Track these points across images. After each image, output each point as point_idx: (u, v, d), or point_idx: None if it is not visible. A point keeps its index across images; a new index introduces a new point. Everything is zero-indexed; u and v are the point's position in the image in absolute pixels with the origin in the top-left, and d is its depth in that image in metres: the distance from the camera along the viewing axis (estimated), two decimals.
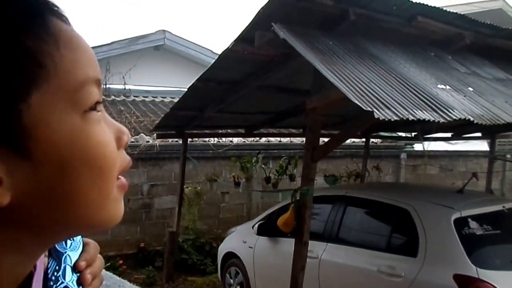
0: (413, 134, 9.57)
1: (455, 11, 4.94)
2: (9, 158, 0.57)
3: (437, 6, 4.65)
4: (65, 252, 0.78)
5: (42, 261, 0.74)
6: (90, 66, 0.65)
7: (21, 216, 0.60)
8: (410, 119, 3.18)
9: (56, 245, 0.77)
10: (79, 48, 0.64)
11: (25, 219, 0.61)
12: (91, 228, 0.70)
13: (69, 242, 0.79)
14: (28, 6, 0.60)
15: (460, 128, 8.30)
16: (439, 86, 4.05)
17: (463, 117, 3.45)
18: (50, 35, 0.60)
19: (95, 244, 0.85)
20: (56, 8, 0.64)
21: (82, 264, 0.78)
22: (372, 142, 11.18)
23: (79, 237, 0.80)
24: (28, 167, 0.58)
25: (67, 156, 0.60)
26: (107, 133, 0.66)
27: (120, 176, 0.70)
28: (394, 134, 10.68)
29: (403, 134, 10.48)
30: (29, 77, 0.57)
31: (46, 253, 0.78)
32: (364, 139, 9.91)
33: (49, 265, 0.76)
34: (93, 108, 0.64)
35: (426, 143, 10.22)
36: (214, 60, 5.31)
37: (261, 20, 4.00)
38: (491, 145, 9.27)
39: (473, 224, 4.61)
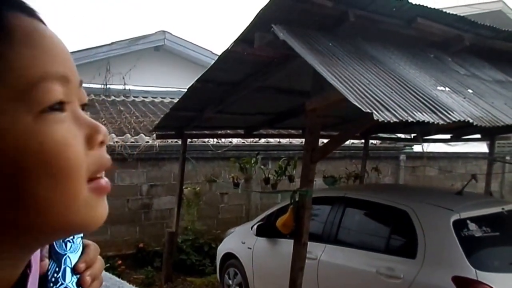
0: (412, 135, 9.58)
1: (454, 12, 4.95)
2: None
3: (436, 8, 4.66)
4: (65, 254, 0.77)
5: (37, 262, 0.74)
6: (52, 63, 0.61)
7: None
8: (409, 121, 3.18)
9: (56, 247, 0.77)
10: (40, 44, 0.61)
11: None
12: (68, 232, 0.69)
13: (69, 244, 0.78)
14: None
15: (459, 130, 8.31)
16: (438, 88, 4.06)
17: (462, 119, 3.45)
18: (2, 32, 0.58)
19: (95, 246, 0.84)
20: (16, 1, 0.62)
21: (82, 266, 0.77)
22: (371, 143, 11.19)
23: (79, 239, 0.80)
24: None
25: (21, 159, 0.57)
26: (70, 134, 0.62)
27: (99, 177, 0.66)
28: (393, 136, 10.68)
29: (402, 136, 10.48)
30: None
31: (47, 254, 0.78)
32: (363, 140, 9.92)
33: (49, 266, 0.76)
34: (55, 108, 0.60)
35: (425, 144, 10.22)
36: (214, 61, 5.31)
37: (261, 21, 4.00)
38: (491, 147, 9.24)
39: (472, 226, 4.61)
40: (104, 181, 0.67)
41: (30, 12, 0.63)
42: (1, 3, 0.59)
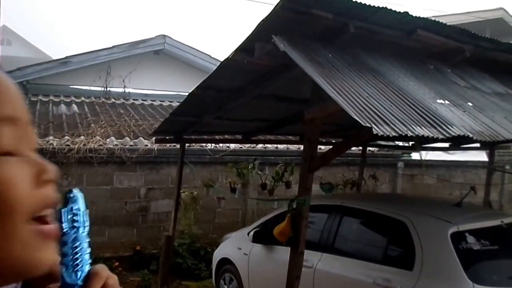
0: (410, 143, 9.57)
1: (455, 20, 4.97)
2: None
3: (437, 17, 4.66)
4: (75, 285, 0.77)
5: None
6: (1, 105, 0.62)
7: None
8: (409, 135, 3.17)
9: (66, 278, 0.76)
10: None
11: None
12: (9, 273, 0.65)
13: (78, 273, 0.77)
14: None
15: (459, 139, 8.29)
16: (438, 100, 4.05)
17: (462, 133, 3.44)
18: None
19: (115, 278, 0.83)
20: None
21: None
22: (369, 150, 11.17)
23: (87, 266, 0.79)
24: None
25: None
26: (15, 173, 0.61)
27: (46, 220, 0.66)
28: (391, 143, 10.67)
29: (400, 143, 10.47)
30: None
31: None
32: (360, 147, 9.91)
33: None
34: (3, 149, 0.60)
35: (423, 152, 10.22)
36: (213, 68, 5.32)
37: (261, 32, 3.99)
38: (490, 156, 9.20)
39: (470, 239, 4.60)
40: (50, 227, 0.66)
41: None
42: None
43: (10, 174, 0.60)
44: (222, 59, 4.84)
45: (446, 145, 9.19)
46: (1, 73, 0.63)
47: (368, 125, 3.08)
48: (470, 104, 4.30)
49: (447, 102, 4.09)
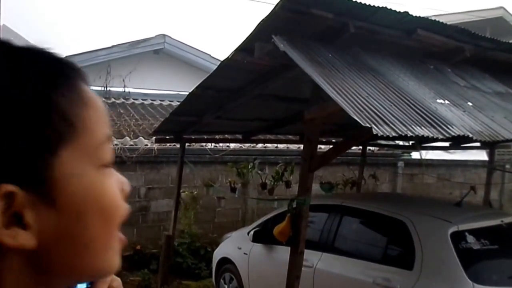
0: (410, 142, 9.56)
1: (455, 19, 4.97)
2: (37, 205, 0.62)
3: (437, 16, 4.65)
4: None
5: None
6: (106, 125, 0.72)
7: (39, 261, 0.64)
8: (409, 135, 3.17)
9: None
10: (99, 108, 0.71)
11: (42, 264, 0.64)
12: (90, 276, 0.74)
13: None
14: (61, 70, 0.67)
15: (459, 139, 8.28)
16: (438, 100, 4.05)
17: (462, 133, 3.45)
18: (79, 96, 0.67)
19: (119, 281, 0.88)
20: (81, 71, 0.71)
21: None
22: (369, 149, 11.17)
23: None
24: (51, 214, 0.63)
25: (84, 205, 0.65)
26: (115, 185, 0.71)
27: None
28: (391, 143, 10.67)
29: (400, 143, 10.46)
30: (61, 133, 0.63)
31: None
32: (361, 147, 9.90)
33: None
34: (108, 163, 0.70)
35: (424, 151, 10.21)
36: (214, 68, 5.31)
37: (261, 32, 3.98)
38: (490, 156, 9.18)
39: (470, 239, 4.60)
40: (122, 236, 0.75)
41: (86, 79, 0.72)
42: (75, 74, 0.69)
43: (114, 187, 0.71)
44: (222, 59, 4.84)
45: (446, 144, 9.19)
46: (94, 92, 0.71)
47: (368, 125, 3.08)
48: (470, 104, 4.30)
49: (447, 102, 4.10)
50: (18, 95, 0.61)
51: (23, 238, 0.61)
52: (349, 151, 10.50)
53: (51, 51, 0.68)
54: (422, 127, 3.33)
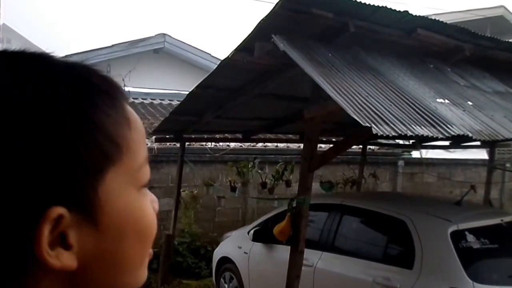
0: (411, 141, 9.56)
1: (455, 18, 4.96)
2: (80, 225, 0.62)
3: (437, 15, 4.65)
4: None
5: None
6: (145, 146, 0.72)
7: (74, 280, 0.63)
8: (408, 135, 3.17)
9: None
10: (140, 130, 0.71)
11: (77, 283, 0.64)
12: None
13: None
14: (106, 89, 0.67)
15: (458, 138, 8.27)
16: (438, 100, 4.05)
17: (461, 133, 3.45)
18: (124, 118, 0.68)
19: None
20: (123, 91, 0.72)
21: None
22: (369, 148, 11.16)
23: None
24: (93, 234, 0.63)
25: (124, 225, 0.66)
26: (150, 205, 0.72)
27: None
28: (391, 142, 10.66)
29: (401, 142, 10.45)
30: (107, 155, 0.64)
31: None
32: (361, 146, 9.90)
33: None
34: (145, 184, 0.71)
35: (424, 150, 10.20)
36: (214, 67, 5.32)
37: (261, 31, 3.98)
38: (491, 154, 9.17)
39: (470, 238, 4.60)
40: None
41: (127, 98, 0.72)
42: (120, 96, 0.69)
43: (150, 207, 0.72)
44: (222, 58, 4.84)
45: (447, 143, 9.17)
46: (133, 111, 0.71)
47: (367, 124, 3.08)
48: (470, 103, 4.31)
49: (447, 101, 4.10)
50: (66, 117, 0.61)
51: (66, 259, 0.61)
52: (350, 150, 10.50)
53: (95, 68, 0.69)
54: (422, 127, 3.33)
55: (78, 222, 0.61)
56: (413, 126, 3.29)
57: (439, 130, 3.37)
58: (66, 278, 0.62)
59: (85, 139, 0.61)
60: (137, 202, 0.68)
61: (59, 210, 0.59)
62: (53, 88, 0.62)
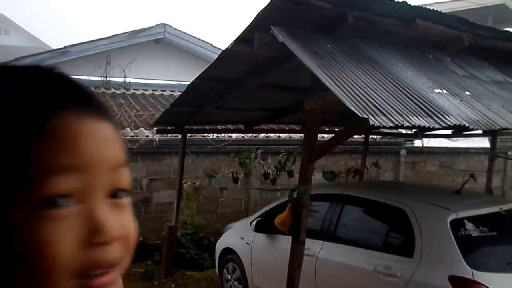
0: (413, 131, 9.56)
1: (455, 7, 4.96)
2: None
3: (438, 3, 4.66)
4: None
5: None
6: (64, 156, 0.64)
7: None
8: (405, 125, 3.20)
9: None
10: (64, 139, 0.64)
11: None
12: None
13: None
14: (35, 104, 0.64)
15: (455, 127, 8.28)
16: (435, 90, 4.06)
17: (458, 123, 3.47)
18: (42, 132, 0.63)
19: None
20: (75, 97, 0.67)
21: None
22: (372, 138, 11.16)
23: None
24: None
25: (18, 249, 0.62)
26: (61, 231, 0.63)
27: (96, 275, 0.66)
28: (394, 131, 10.66)
29: (403, 131, 10.46)
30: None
31: None
32: (363, 135, 9.91)
33: None
34: (52, 203, 0.63)
35: (426, 139, 10.20)
36: (215, 57, 5.34)
37: (260, 22, 4.00)
38: (492, 143, 9.19)
39: (469, 226, 4.63)
40: (100, 281, 0.66)
41: (86, 107, 0.68)
42: (54, 106, 0.65)
43: (50, 232, 0.62)
44: (223, 48, 4.86)
45: (449, 132, 9.18)
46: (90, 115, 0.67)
47: (364, 115, 3.11)
48: (467, 93, 4.32)
49: (444, 91, 4.11)
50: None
51: None
52: (352, 139, 10.56)
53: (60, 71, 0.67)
54: (419, 117, 3.35)
55: None
56: (410, 116, 3.31)
57: (435, 120, 3.39)
58: None
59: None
60: (30, 225, 0.62)
61: None
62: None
